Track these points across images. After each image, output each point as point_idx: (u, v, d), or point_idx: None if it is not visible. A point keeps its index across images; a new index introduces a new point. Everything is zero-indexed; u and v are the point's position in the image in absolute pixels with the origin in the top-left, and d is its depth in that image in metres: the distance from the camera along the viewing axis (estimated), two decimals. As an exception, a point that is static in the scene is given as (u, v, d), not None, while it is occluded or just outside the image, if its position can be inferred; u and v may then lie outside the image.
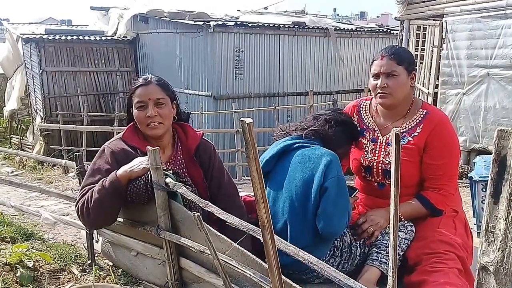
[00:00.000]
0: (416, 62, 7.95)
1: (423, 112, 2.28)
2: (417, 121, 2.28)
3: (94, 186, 2.08)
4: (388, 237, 2.10)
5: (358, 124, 2.43)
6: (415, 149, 2.24)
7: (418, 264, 2.09)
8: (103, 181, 2.06)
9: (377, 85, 2.24)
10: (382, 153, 2.34)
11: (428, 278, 1.97)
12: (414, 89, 2.34)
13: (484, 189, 3.96)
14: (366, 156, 2.38)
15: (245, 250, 1.77)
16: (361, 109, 2.48)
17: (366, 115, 2.45)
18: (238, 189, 2.43)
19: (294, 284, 1.56)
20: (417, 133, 2.25)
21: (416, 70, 2.36)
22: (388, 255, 2.04)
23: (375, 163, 2.34)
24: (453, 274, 1.98)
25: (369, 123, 2.42)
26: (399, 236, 2.12)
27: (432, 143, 2.23)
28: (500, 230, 0.84)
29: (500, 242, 0.84)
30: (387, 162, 2.30)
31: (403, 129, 2.29)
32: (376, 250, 2.12)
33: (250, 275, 1.65)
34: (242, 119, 0.99)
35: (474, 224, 4.17)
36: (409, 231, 2.19)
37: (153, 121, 2.17)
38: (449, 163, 2.25)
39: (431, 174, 2.24)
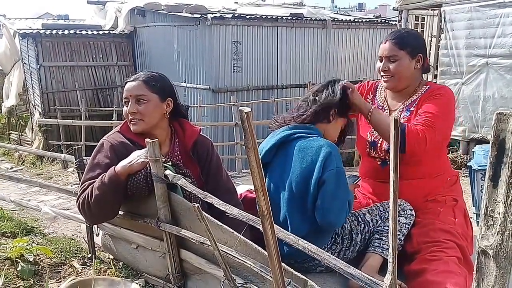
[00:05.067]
0: (426, 53, 7.92)
1: (426, 87, 2.36)
2: (420, 94, 2.35)
3: (94, 181, 2.08)
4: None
5: (370, 101, 2.47)
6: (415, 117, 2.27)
7: (418, 252, 2.10)
8: (102, 177, 2.05)
9: (380, 68, 2.34)
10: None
11: (428, 266, 1.98)
12: (421, 70, 2.38)
13: (483, 178, 3.97)
14: (373, 132, 2.42)
15: (247, 240, 1.78)
16: (378, 88, 2.55)
17: (380, 94, 2.52)
18: (238, 182, 2.43)
19: (295, 272, 1.57)
20: (417, 103, 2.32)
21: (425, 52, 2.42)
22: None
23: (380, 139, 2.38)
24: (452, 263, 1.99)
25: (380, 101, 2.49)
26: (399, 221, 2.12)
27: (425, 101, 2.28)
28: (499, 213, 0.84)
29: (500, 225, 0.84)
30: None
31: (407, 103, 2.36)
32: (378, 236, 2.13)
33: (250, 265, 1.65)
34: (240, 108, 0.99)
35: (474, 213, 4.18)
36: (409, 215, 2.20)
37: (133, 118, 2.20)
38: (438, 115, 2.19)
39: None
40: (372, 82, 2.59)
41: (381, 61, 2.35)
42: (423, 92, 2.34)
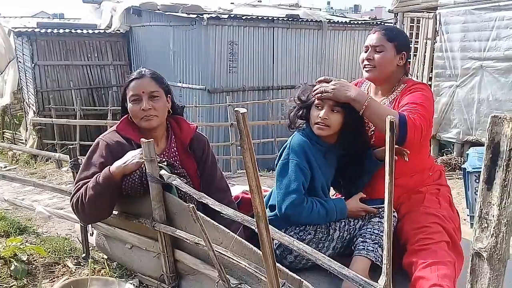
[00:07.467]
0: (410, 54, 7.96)
1: (404, 85, 2.35)
2: (400, 91, 2.34)
3: (89, 181, 2.08)
4: (372, 225, 2.14)
5: None
6: None
7: (407, 242, 2.09)
8: (96, 177, 2.05)
9: (364, 57, 2.33)
10: (370, 128, 2.36)
11: (417, 259, 1.96)
12: (404, 69, 2.37)
13: (477, 180, 3.99)
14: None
15: (242, 240, 1.78)
16: (362, 86, 2.53)
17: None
18: (233, 182, 2.43)
19: (290, 273, 1.57)
20: (397, 99, 2.31)
21: (409, 52, 2.43)
22: (373, 243, 2.07)
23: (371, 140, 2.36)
24: (441, 251, 1.98)
25: None
26: (381, 222, 2.12)
27: (404, 95, 2.27)
28: (493, 216, 0.84)
29: (494, 228, 0.85)
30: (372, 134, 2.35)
31: (390, 99, 2.35)
32: (362, 239, 2.11)
33: (245, 265, 1.65)
34: (236, 109, 0.99)
35: (468, 215, 4.20)
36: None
37: (149, 114, 2.18)
38: (424, 106, 2.17)
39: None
40: (356, 81, 2.60)
41: (366, 51, 2.34)
42: (402, 88, 2.34)
